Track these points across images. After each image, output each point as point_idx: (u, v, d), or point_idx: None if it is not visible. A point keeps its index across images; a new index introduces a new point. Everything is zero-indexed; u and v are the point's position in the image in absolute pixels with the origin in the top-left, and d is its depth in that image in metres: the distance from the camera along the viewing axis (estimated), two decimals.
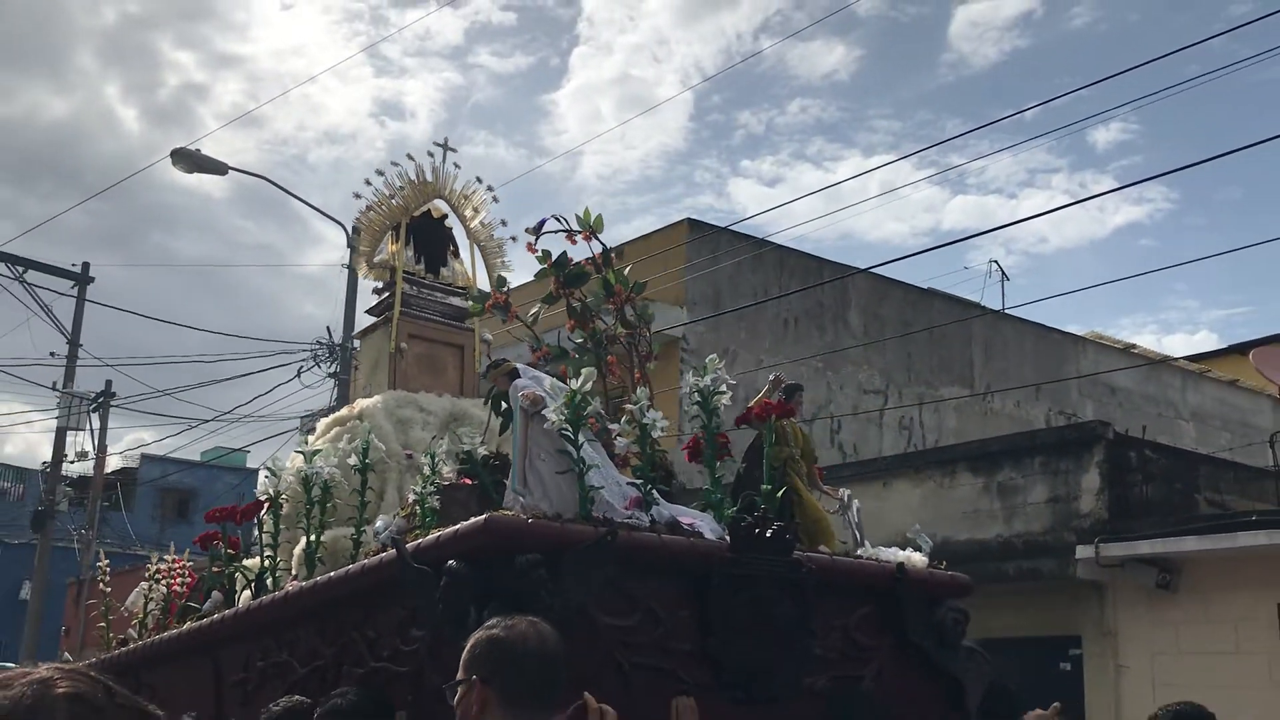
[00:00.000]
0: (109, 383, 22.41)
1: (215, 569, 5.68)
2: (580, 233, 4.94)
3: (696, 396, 4.18)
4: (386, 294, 6.29)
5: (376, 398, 6.11)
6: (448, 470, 4.59)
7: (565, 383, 4.04)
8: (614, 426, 4.20)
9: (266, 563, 5.25)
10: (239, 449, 27.41)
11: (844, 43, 77.25)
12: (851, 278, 16.62)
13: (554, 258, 5.14)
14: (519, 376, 4.21)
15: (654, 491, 4.01)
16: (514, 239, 5.46)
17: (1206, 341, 75.72)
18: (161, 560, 6.56)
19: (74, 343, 21.28)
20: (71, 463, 22.41)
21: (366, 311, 6.62)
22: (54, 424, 21.61)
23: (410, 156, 6.02)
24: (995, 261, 21.46)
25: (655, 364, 4.91)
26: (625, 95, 79.01)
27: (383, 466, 5.20)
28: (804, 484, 4.75)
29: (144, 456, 31.78)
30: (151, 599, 6.39)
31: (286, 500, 5.30)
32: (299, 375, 16.96)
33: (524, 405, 3.97)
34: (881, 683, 4.11)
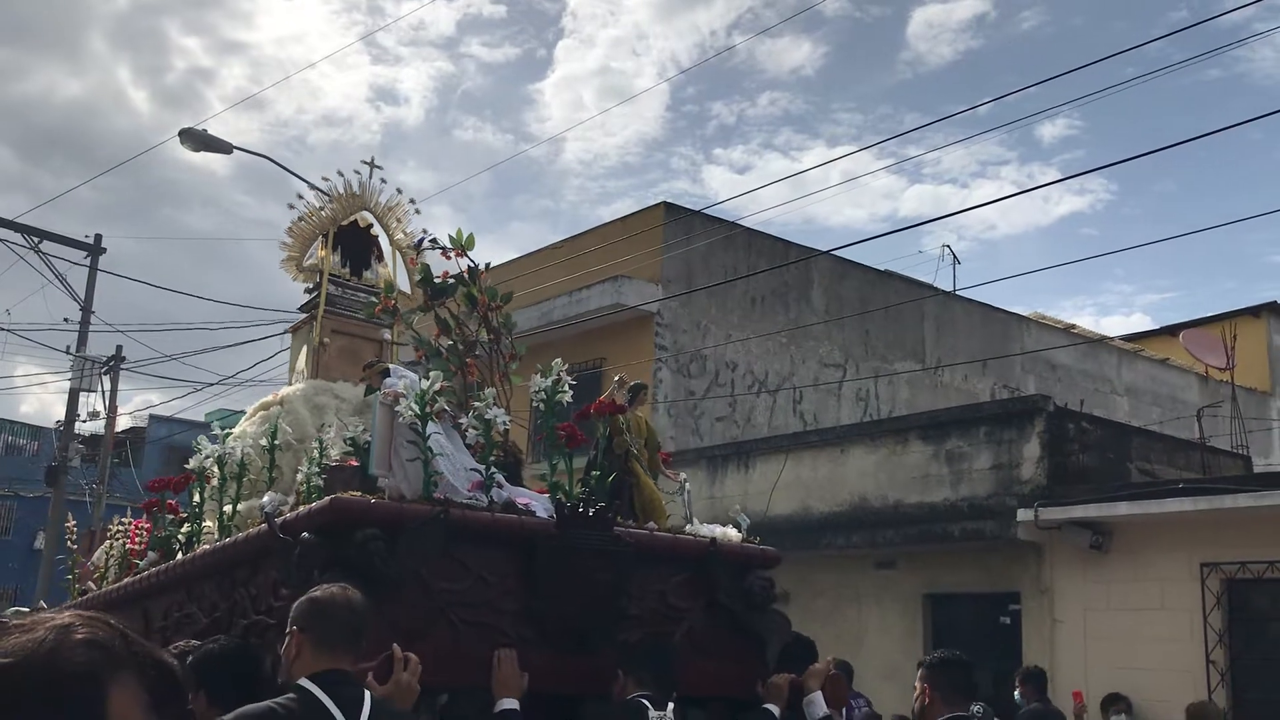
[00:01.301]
0: (119, 347, 22.27)
1: (157, 532, 5.95)
2: (454, 250, 5.20)
3: (541, 394, 4.44)
4: (314, 294, 6.56)
5: (297, 386, 6.38)
6: (336, 453, 4.83)
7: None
8: (464, 420, 4.43)
9: (192, 528, 5.57)
10: (241, 411, 27.26)
11: (810, 40, 77.00)
12: (815, 259, 16.63)
13: (423, 274, 5.43)
14: (389, 375, 4.48)
15: (496, 476, 4.29)
16: (434, 242, 5.58)
17: (1140, 323, 76.30)
18: (121, 521, 6.73)
19: (86, 309, 21.08)
20: (83, 422, 22.26)
21: (298, 309, 6.81)
22: (67, 385, 21.47)
23: (340, 172, 6.31)
24: (947, 246, 21.46)
25: (518, 363, 5.20)
26: (606, 85, 78.57)
27: (299, 448, 5.40)
28: (644, 470, 5.00)
29: (152, 417, 31.63)
30: (111, 555, 6.60)
31: (211, 475, 5.56)
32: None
33: (383, 400, 4.26)
34: (692, 638, 4.50)
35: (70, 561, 7.54)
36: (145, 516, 6.24)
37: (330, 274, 6.40)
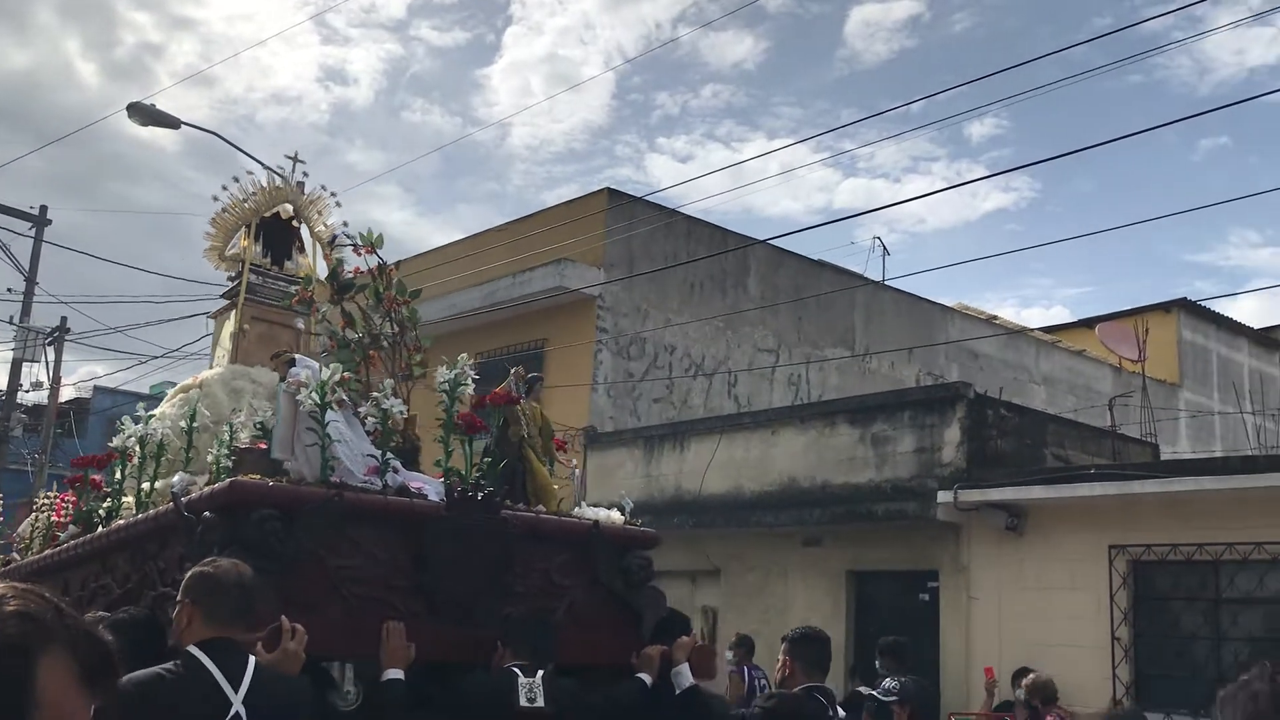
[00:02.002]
0: (64, 319, 21.77)
1: (80, 506, 6.03)
2: (364, 247, 5.36)
3: (445, 385, 4.63)
4: (235, 282, 6.62)
5: (217, 370, 6.46)
6: (246, 436, 4.95)
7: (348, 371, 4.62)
8: (364, 409, 4.53)
9: (112, 503, 5.67)
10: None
11: (752, 35, 77.11)
12: (752, 248, 16.67)
13: (331, 270, 5.53)
14: (294, 364, 4.60)
15: (392, 461, 4.44)
16: (346, 238, 5.83)
17: (1059, 316, 77.48)
18: (47, 495, 6.83)
19: (31, 280, 20.60)
20: (27, 392, 21.80)
21: (220, 295, 6.84)
22: (10, 355, 20.98)
23: (265, 165, 6.65)
24: (878, 238, 21.57)
25: (424, 355, 5.37)
26: (553, 73, 78.06)
27: (216, 430, 5.47)
28: (538, 456, 5.19)
29: (96, 388, 30.96)
30: (37, 527, 6.65)
31: (133, 453, 5.64)
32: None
33: (287, 388, 4.40)
34: (574, 613, 4.72)
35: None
36: (70, 491, 6.28)
37: (252, 263, 6.45)
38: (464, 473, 4.62)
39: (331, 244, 5.86)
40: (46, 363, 21.28)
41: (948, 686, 10.06)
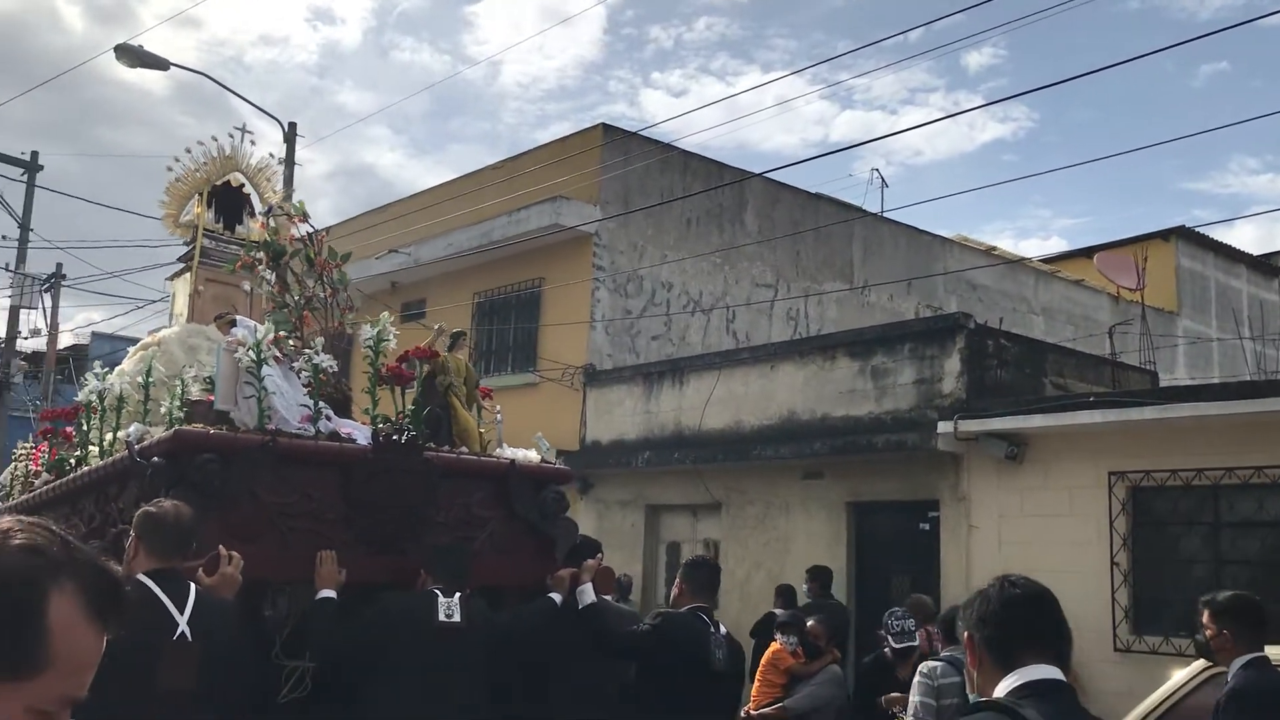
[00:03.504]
0: (59, 265, 21.68)
1: (50, 455, 6.55)
2: (296, 217, 5.88)
3: (370, 342, 5.08)
4: (190, 247, 7.08)
5: (174, 329, 6.90)
6: (198, 389, 5.37)
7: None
8: (298, 364, 4.99)
9: (80, 453, 6.19)
10: None
11: None
12: (749, 182, 16.53)
13: (264, 240, 6.03)
14: (235, 325, 5.08)
15: (325, 410, 4.92)
16: (279, 209, 6.34)
17: (1057, 246, 77.32)
18: (23, 445, 7.50)
19: (25, 227, 20.47)
20: (25, 339, 21.74)
21: (178, 259, 7.24)
22: (7, 303, 20.90)
23: (214, 138, 6.86)
24: (876, 170, 21.68)
25: (355, 314, 5.89)
26: (543, 7, 76.97)
27: (172, 384, 5.84)
28: (461, 403, 5.64)
29: (94, 334, 30.86)
30: (15, 476, 7.27)
31: (95, 407, 6.15)
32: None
33: (226, 347, 4.93)
34: (494, 540, 5.22)
35: None
36: (44, 441, 6.86)
37: (205, 229, 6.91)
38: (391, 419, 5.07)
39: (268, 214, 6.35)
40: (44, 309, 21.21)
41: None
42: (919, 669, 5.57)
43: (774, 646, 7.75)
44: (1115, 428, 9.32)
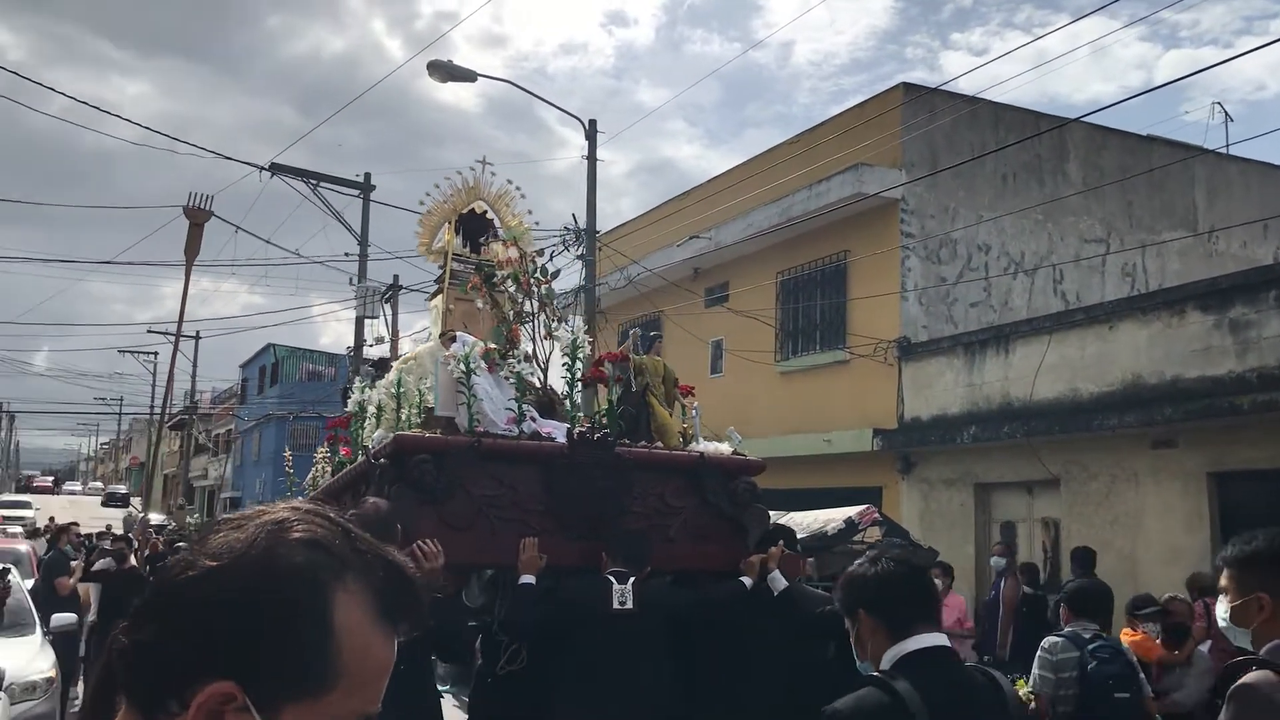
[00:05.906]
0: (396, 276, 23.21)
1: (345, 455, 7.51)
2: (509, 242, 6.56)
3: (566, 350, 5.69)
4: (443, 270, 7.64)
5: (428, 344, 7.41)
6: (433, 399, 5.82)
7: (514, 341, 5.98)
8: (504, 373, 5.56)
9: (352, 455, 7.02)
10: None
11: None
12: (1068, 129, 15.22)
13: (478, 264, 6.86)
14: (455, 341, 5.60)
15: (530, 412, 5.48)
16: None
17: None
18: (321, 451, 8.58)
19: (364, 242, 22.03)
20: (370, 346, 23.43)
21: (433, 282, 7.81)
22: (353, 314, 22.61)
23: (459, 172, 7.46)
24: (1218, 103, 19.17)
25: (561, 325, 6.38)
26: None
27: (412, 395, 6.49)
28: (660, 401, 6.10)
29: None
30: (316, 478, 8.33)
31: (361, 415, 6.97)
32: (550, 260, 16.93)
33: (443, 362, 5.48)
34: (686, 528, 5.58)
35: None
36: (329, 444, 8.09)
37: (454, 253, 7.51)
38: (593, 418, 5.68)
39: (484, 242, 7.17)
40: (385, 318, 22.79)
41: None
42: (1041, 644, 5.52)
43: (1133, 636, 6.88)
44: None
